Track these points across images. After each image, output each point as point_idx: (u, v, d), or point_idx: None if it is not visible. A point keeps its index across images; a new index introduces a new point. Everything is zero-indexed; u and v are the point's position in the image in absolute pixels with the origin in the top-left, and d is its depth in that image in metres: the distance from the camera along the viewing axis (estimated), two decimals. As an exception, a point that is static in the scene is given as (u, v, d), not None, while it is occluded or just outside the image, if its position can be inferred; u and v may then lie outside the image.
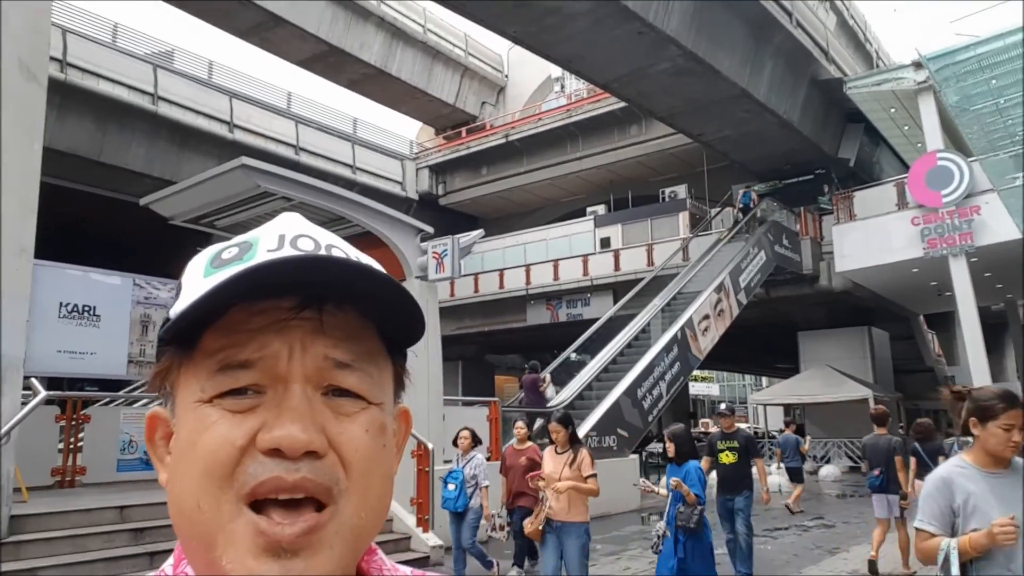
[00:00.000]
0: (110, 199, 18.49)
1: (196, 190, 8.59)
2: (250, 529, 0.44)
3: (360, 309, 0.49)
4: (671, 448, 5.70)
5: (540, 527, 5.36)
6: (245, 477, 0.45)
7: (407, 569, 0.57)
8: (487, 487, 6.93)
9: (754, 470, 7.07)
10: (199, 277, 0.50)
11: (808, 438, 15.25)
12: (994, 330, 26.05)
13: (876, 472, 7.18)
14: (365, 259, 0.54)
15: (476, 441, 7.27)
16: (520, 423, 7.40)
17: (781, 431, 23.36)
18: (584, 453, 5.42)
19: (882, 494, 7.18)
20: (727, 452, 6.94)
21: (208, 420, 0.47)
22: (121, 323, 8.30)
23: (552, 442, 5.57)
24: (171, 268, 0.53)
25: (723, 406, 7.59)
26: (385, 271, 0.52)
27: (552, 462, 5.48)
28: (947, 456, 8.81)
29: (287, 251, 0.51)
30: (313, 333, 0.48)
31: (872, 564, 7.11)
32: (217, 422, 0.46)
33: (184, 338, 0.48)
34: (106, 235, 18.85)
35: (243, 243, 0.52)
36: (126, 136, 18.28)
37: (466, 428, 7.25)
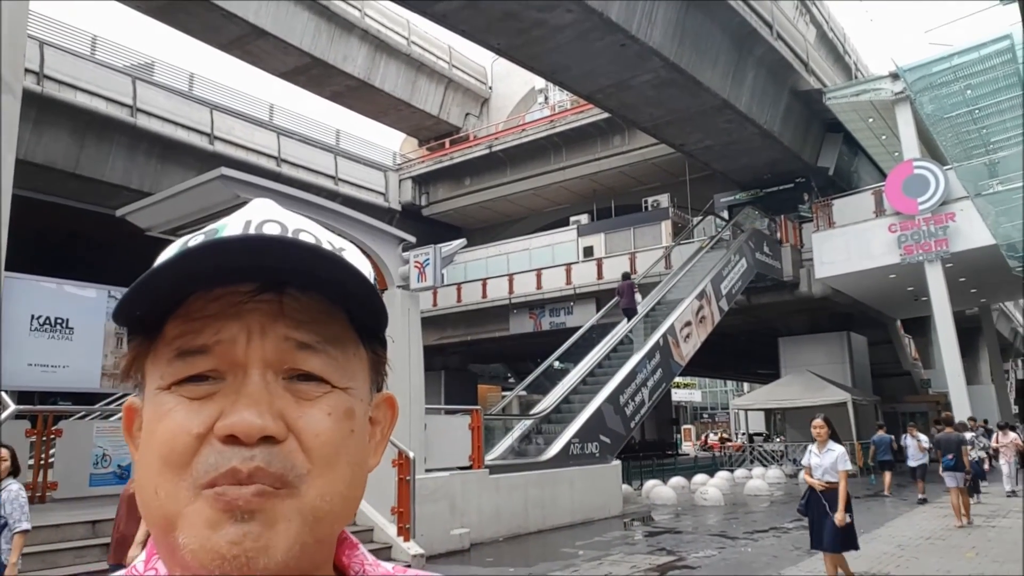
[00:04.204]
0: (87, 211, 18.30)
1: (174, 201, 8.53)
2: (207, 502, 0.44)
3: (327, 294, 0.48)
4: None
5: None
6: (205, 467, 0.44)
7: (388, 566, 0.55)
8: (24, 532, 4.51)
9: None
10: None
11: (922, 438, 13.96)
12: (969, 334, 26.39)
13: (950, 456, 10.45)
14: (339, 242, 0.53)
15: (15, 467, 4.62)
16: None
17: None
18: None
19: (952, 471, 10.37)
20: None
21: (165, 407, 0.46)
22: (95, 335, 8.18)
23: None
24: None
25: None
26: (355, 258, 0.51)
27: None
28: (971, 446, 11.69)
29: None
30: (272, 316, 0.47)
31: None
32: (174, 409, 0.46)
33: (148, 327, 0.48)
34: (83, 248, 18.63)
35: (210, 231, 0.51)
36: (104, 149, 18.12)
37: None
